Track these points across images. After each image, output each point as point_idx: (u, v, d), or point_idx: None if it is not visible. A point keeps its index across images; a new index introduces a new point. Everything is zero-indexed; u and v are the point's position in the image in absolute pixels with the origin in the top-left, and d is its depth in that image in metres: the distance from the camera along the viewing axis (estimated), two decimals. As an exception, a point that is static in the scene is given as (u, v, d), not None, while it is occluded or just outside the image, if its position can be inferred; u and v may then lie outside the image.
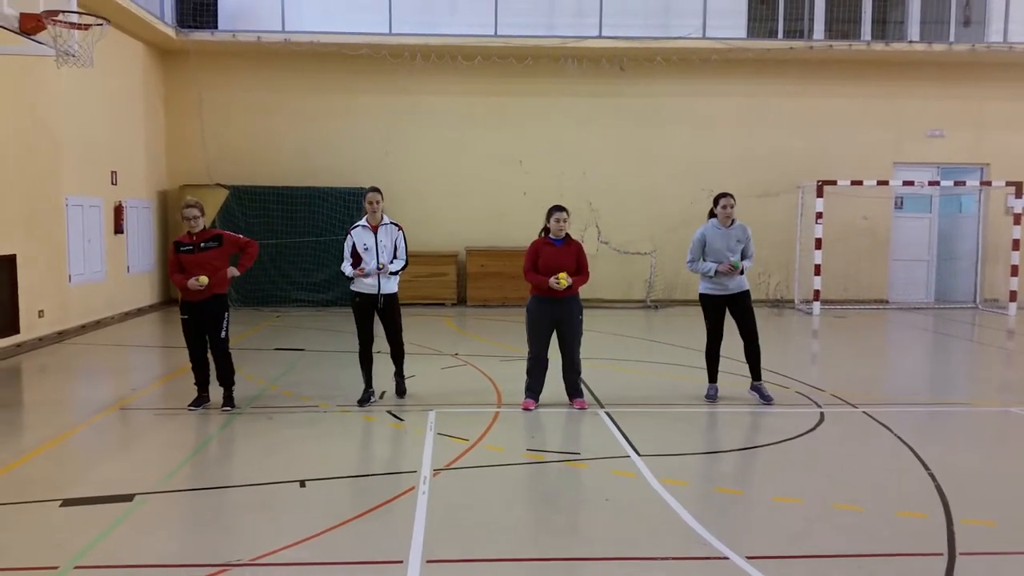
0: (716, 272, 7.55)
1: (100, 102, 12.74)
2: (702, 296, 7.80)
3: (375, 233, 7.41)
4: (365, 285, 7.42)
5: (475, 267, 15.27)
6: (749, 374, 7.86)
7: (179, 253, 7.21)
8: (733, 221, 7.71)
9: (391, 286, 7.52)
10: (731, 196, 7.72)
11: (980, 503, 5.17)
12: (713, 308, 7.74)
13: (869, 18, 15.53)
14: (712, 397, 7.83)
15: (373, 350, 7.60)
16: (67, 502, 5.06)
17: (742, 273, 7.66)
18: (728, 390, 7.99)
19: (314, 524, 4.68)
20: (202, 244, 7.22)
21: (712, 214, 7.82)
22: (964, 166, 16.35)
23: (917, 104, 16.09)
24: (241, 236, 7.49)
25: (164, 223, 15.43)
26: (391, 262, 7.45)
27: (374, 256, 7.36)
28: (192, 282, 7.01)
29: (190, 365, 7.43)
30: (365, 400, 7.55)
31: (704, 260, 7.70)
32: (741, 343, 7.78)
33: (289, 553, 4.32)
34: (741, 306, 7.70)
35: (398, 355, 7.71)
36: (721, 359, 7.94)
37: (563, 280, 7.02)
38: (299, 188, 15.06)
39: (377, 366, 7.73)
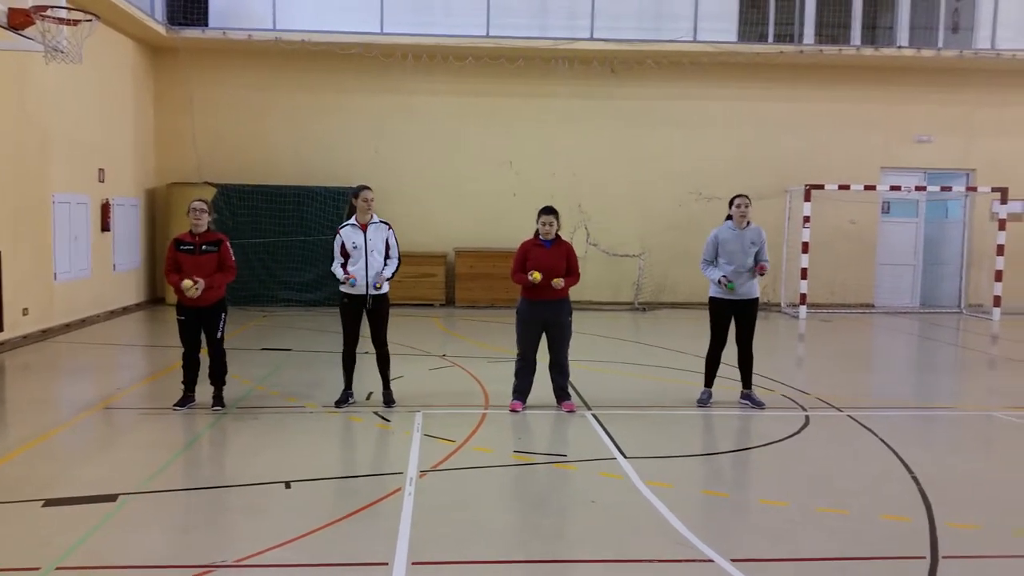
0: (720, 282, 7.52)
1: (88, 99, 12.65)
2: (711, 300, 7.74)
3: (364, 232, 7.36)
4: (353, 286, 7.37)
5: (464, 268, 15.25)
6: (740, 381, 7.84)
7: (179, 251, 7.15)
8: (748, 223, 7.64)
9: (382, 287, 7.46)
10: (746, 197, 7.65)
11: (964, 506, 5.21)
12: (720, 313, 7.68)
13: (859, 23, 15.62)
14: (704, 402, 7.79)
15: (357, 352, 7.56)
16: (50, 502, 5.03)
17: (761, 275, 7.59)
18: (715, 394, 7.99)
19: (300, 525, 4.66)
20: (203, 246, 7.17)
21: (729, 216, 7.74)
22: (951, 171, 16.48)
23: (905, 109, 16.19)
24: (232, 258, 7.34)
25: (151, 221, 15.34)
26: (384, 266, 7.38)
27: (363, 255, 7.31)
28: (184, 287, 6.93)
29: (181, 363, 7.38)
30: (343, 401, 7.51)
31: (717, 262, 7.63)
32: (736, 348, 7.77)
33: (274, 554, 4.30)
34: (747, 313, 7.67)
35: (383, 362, 7.56)
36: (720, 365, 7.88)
37: (536, 276, 7.06)
38: (289, 187, 15.01)
39: (361, 367, 7.70)
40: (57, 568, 4.12)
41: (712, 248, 7.66)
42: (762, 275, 7.63)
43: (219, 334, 7.30)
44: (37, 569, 4.10)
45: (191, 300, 7.09)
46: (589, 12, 15.07)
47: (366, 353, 7.71)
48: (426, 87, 15.60)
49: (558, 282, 7.13)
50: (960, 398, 8.79)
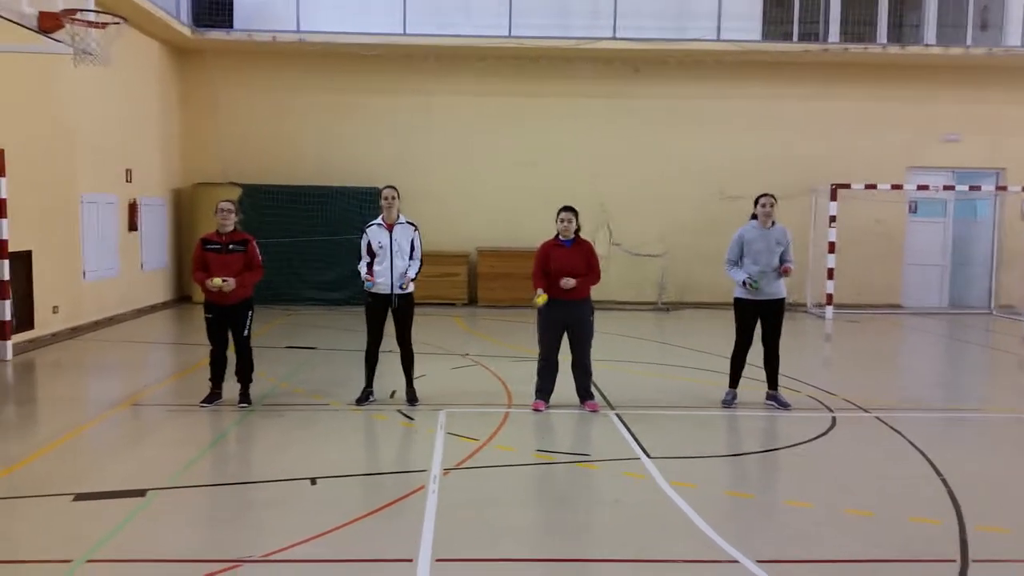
0: (744, 284, 7.44)
1: (116, 100, 12.82)
2: (736, 300, 7.66)
3: (390, 232, 7.41)
4: (378, 285, 7.42)
5: (486, 268, 15.27)
6: (765, 381, 7.76)
7: (206, 250, 7.22)
8: (774, 222, 7.55)
9: (407, 287, 7.48)
10: (771, 196, 7.55)
11: (994, 510, 5.14)
12: (746, 313, 7.59)
13: (885, 21, 15.42)
14: (729, 403, 7.73)
15: (380, 350, 7.58)
16: (80, 496, 5.11)
17: (786, 276, 7.50)
18: (740, 394, 7.93)
19: (325, 521, 4.69)
20: (230, 245, 7.24)
21: (754, 215, 7.66)
22: (980, 171, 16.23)
23: (933, 108, 15.97)
24: (260, 257, 7.39)
25: (178, 221, 15.52)
26: (407, 266, 7.42)
27: (388, 255, 7.36)
28: (210, 283, 7.02)
29: (208, 360, 7.46)
30: (363, 399, 7.55)
31: (743, 262, 7.53)
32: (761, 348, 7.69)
33: (300, 550, 4.34)
34: (773, 313, 7.57)
35: (407, 361, 7.61)
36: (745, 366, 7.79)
37: (540, 299, 7.12)
38: (312, 187, 15.12)
39: (384, 365, 7.73)
40: (88, 561, 4.19)
41: (737, 248, 7.59)
42: (786, 276, 7.54)
43: (246, 332, 7.37)
44: (68, 561, 4.16)
45: (218, 298, 7.16)
46: (611, 11, 15.03)
47: (389, 352, 7.74)
48: (448, 87, 15.64)
49: (567, 282, 7.10)
50: (990, 400, 8.65)
